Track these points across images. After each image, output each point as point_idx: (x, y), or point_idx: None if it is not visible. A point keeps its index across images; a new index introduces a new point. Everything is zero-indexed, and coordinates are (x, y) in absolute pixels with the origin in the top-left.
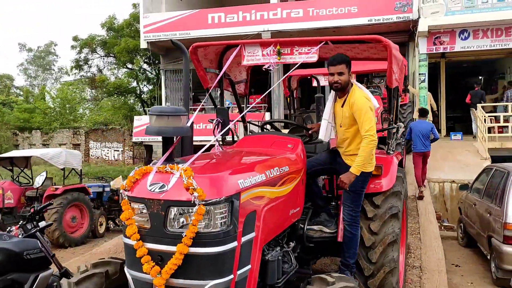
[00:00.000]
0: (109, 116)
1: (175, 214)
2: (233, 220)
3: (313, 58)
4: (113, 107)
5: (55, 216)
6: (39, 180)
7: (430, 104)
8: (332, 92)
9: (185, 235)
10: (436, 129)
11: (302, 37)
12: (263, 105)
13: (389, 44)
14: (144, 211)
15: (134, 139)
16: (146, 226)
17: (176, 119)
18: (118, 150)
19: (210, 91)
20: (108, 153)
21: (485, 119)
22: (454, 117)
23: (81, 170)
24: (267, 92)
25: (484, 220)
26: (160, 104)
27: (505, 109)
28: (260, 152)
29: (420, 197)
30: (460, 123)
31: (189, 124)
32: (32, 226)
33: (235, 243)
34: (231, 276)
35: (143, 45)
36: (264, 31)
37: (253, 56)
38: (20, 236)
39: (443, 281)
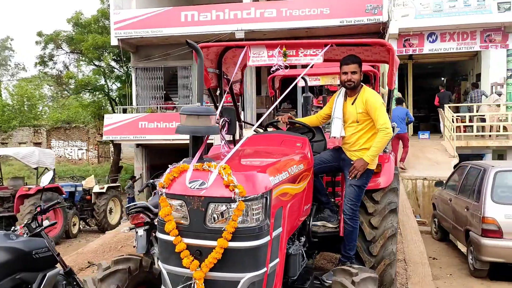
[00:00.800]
0: (72, 114)
1: (215, 210)
2: (266, 216)
3: (319, 59)
4: (81, 104)
5: (28, 216)
6: (44, 180)
7: None
8: (342, 91)
9: (225, 230)
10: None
11: (309, 40)
12: (238, 104)
13: (392, 48)
14: (183, 207)
15: (105, 137)
16: (183, 222)
17: (206, 119)
18: (82, 149)
19: (220, 91)
20: (71, 152)
21: (453, 119)
22: (419, 116)
23: (54, 169)
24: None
25: (461, 215)
26: (130, 102)
27: (469, 109)
28: (275, 151)
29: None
30: (425, 123)
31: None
32: (37, 225)
33: (268, 238)
34: (265, 269)
35: (114, 42)
36: (237, 30)
37: (259, 57)
38: (25, 235)
39: (427, 272)
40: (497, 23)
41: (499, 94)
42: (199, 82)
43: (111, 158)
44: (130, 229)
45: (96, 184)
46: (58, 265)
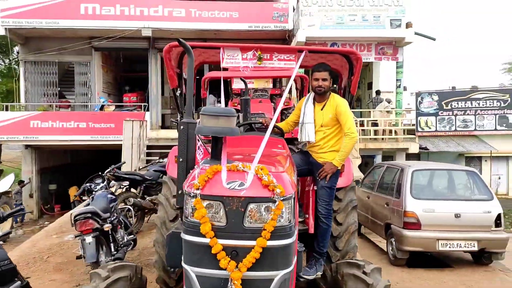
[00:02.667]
0: None
1: (254, 210)
2: (294, 215)
3: (293, 64)
4: None
5: None
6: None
7: None
8: (310, 98)
9: (265, 229)
10: None
11: (282, 45)
12: (143, 104)
13: (360, 58)
14: (219, 208)
15: None
16: (219, 223)
17: (227, 120)
18: None
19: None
20: None
21: (356, 123)
22: None
23: None
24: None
25: (381, 210)
26: (18, 98)
27: (361, 114)
28: (268, 152)
29: None
30: None
31: None
32: None
33: (295, 236)
34: (292, 266)
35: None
36: (144, 27)
37: (233, 59)
38: None
39: None
40: (389, 37)
41: (389, 102)
42: (189, 84)
43: None
44: (76, 236)
45: None
46: None
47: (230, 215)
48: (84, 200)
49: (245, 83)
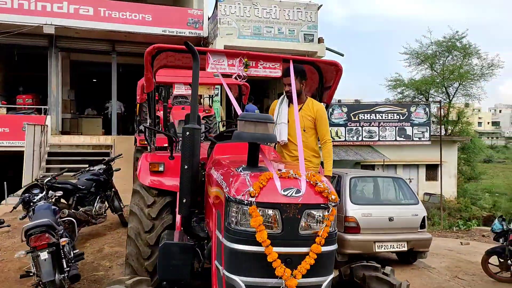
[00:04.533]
0: None
1: (310, 217)
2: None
3: (277, 73)
4: None
5: None
6: None
7: (221, 116)
8: (284, 100)
9: (320, 236)
10: None
11: (268, 53)
12: (43, 107)
13: (342, 68)
14: (276, 216)
15: None
16: (274, 231)
17: (265, 126)
18: None
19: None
20: None
21: None
22: None
23: None
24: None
25: None
26: None
27: None
28: (276, 159)
29: None
30: None
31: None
32: None
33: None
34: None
35: None
36: (46, 24)
37: (219, 65)
38: None
39: None
40: (303, 51)
41: None
42: (194, 88)
43: None
44: (28, 252)
45: None
46: None
47: (286, 223)
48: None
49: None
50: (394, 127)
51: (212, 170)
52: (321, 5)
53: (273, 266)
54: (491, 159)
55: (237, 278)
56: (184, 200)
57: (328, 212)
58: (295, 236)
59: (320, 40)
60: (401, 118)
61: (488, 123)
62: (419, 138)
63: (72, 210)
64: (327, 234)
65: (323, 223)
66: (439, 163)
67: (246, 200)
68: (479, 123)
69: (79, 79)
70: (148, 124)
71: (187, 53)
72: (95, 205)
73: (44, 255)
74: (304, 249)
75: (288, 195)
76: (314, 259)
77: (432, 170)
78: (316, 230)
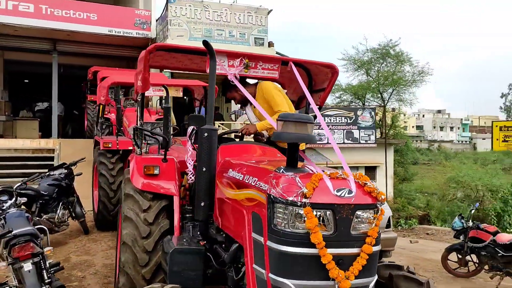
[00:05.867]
0: None
1: (361, 217)
2: None
3: (275, 75)
4: None
5: None
6: None
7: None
8: (247, 106)
9: (370, 236)
10: None
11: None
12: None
13: (338, 71)
14: (330, 216)
15: None
16: (327, 232)
17: (305, 126)
18: None
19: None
20: None
21: None
22: None
23: None
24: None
25: None
26: None
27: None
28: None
29: None
30: None
31: None
32: None
33: None
34: None
35: None
36: None
37: (220, 65)
38: None
39: None
40: (253, 54)
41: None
42: (210, 91)
43: None
44: (9, 264)
45: None
46: None
47: (339, 223)
48: None
49: (167, 91)
50: (342, 130)
51: (231, 172)
52: (271, 10)
53: (327, 268)
54: (417, 161)
55: (288, 282)
56: (202, 204)
57: (377, 212)
58: (347, 236)
59: (270, 44)
60: (349, 121)
61: (413, 127)
62: (366, 141)
63: (36, 218)
64: (377, 235)
65: (372, 223)
66: (379, 164)
67: (300, 202)
68: (405, 127)
69: (13, 79)
70: (139, 125)
71: (187, 53)
72: (57, 212)
73: (28, 266)
74: (355, 250)
75: (341, 195)
76: (366, 259)
77: (371, 172)
78: (365, 231)
